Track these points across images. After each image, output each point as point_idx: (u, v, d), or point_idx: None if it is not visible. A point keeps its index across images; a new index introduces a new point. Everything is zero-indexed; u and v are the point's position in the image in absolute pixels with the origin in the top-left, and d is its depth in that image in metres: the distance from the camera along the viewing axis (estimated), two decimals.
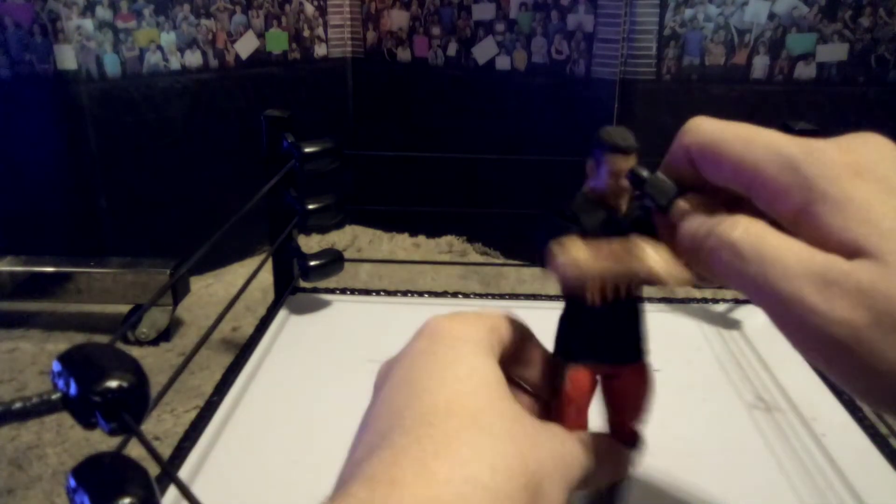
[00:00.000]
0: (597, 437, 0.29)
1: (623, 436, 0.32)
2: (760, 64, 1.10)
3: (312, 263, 0.65)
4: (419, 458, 0.22)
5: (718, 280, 0.25)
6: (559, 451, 0.26)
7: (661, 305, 0.65)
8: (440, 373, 0.25)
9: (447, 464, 0.21)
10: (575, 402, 0.30)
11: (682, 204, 0.27)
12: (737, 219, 0.24)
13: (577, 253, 0.26)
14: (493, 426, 0.23)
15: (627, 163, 0.28)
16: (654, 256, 0.26)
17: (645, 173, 0.27)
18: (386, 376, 0.27)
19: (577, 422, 0.30)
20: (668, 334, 0.60)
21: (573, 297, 0.30)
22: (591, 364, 0.30)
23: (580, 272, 0.26)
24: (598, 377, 0.31)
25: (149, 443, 0.21)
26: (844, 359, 0.20)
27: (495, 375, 0.26)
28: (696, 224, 0.25)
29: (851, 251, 0.21)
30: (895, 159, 0.23)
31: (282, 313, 0.64)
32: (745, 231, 0.23)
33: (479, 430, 0.23)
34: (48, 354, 1.00)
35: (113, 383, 0.21)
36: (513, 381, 0.30)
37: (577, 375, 0.30)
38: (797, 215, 0.22)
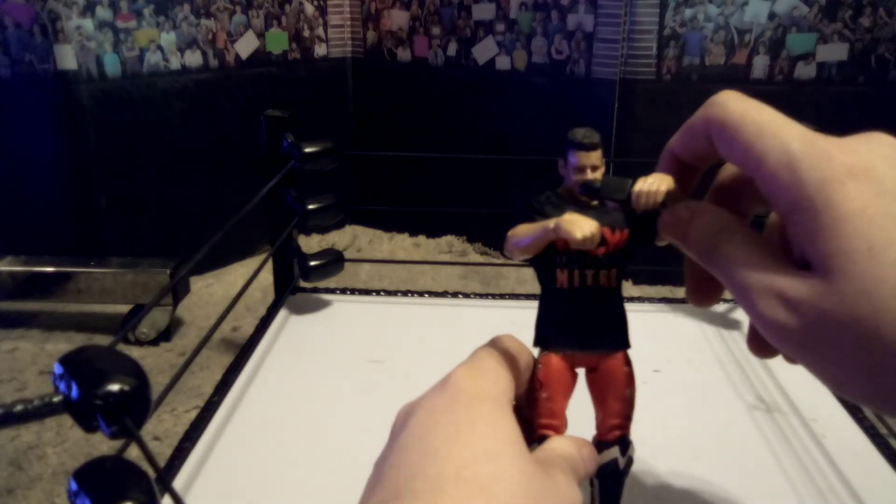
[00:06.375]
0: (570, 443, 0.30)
1: (606, 436, 0.32)
2: (760, 64, 1.10)
3: (312, 263, 0.65)
4: None
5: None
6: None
7: (661, 305, 0.65)
8: (455, 435, 0.26)
9: None
10: (545, 388, 0.31)
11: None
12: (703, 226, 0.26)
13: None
14: (500, 495, 0.24)
15: (590, 159, 0.30)
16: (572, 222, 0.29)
17: (597, 183, 0.30)
18: (404, 423, 0.28)
19: (548, 409, 0.31)
20: (668, 334, 0.60)
21: (544, 283, 0.32)
22: (560, 350, 0.31)
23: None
24: (577, 370, 0.32)
25: (147, 448, 0.21)
26: (798, 357, 0.23)
27: (509, 433, 0.26)
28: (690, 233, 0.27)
29: (809, 263, 0.22)
30: None
31: (282, 313, 0.64)
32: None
33: (487, 499, 0.24)
34: (48, 354, 1.00)
35: (114, 387, 0.21)
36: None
37: (547, 360, 0.31)
38: (787, 214, 0.23)
